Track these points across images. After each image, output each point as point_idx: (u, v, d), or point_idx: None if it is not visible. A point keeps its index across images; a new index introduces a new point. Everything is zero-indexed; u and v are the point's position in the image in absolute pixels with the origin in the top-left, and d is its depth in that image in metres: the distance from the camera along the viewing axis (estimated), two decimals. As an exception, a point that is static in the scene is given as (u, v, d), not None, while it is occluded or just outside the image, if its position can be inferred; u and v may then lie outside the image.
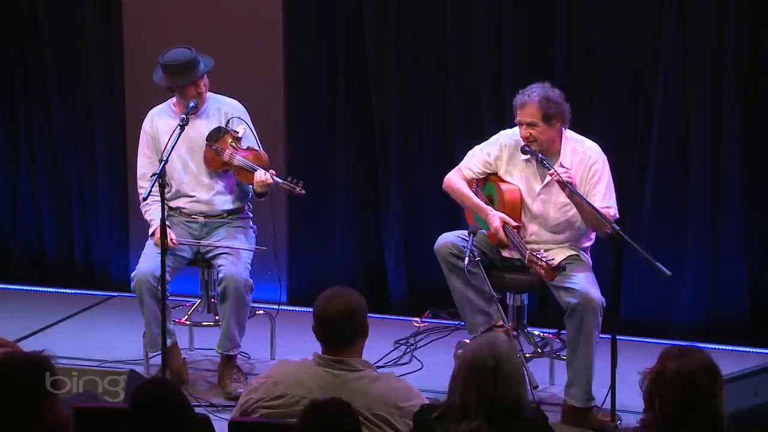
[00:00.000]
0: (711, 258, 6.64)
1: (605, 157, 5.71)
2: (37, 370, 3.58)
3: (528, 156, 5.68)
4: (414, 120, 7.09)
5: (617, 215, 5.64)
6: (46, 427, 3.59)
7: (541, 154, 5.61)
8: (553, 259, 5.46)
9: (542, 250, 5.56)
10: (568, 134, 5.72)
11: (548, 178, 5.61)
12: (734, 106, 6.48)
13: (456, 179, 5.89)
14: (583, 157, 5.67)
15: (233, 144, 5.97)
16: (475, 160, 5.86)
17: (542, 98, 5.59)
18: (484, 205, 5.79)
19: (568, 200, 5.60)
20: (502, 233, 5.66)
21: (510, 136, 5.79)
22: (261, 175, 5.85)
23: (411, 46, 7.01)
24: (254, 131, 6.08)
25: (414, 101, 7.07)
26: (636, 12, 6.62)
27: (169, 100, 6.10)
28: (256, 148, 6.02)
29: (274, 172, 5.90)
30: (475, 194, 5.85)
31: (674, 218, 6.68)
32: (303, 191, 5.86)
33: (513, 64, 6.77)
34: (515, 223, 5.70)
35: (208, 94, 6.05)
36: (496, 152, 5.81)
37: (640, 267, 6.66)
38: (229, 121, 6.02)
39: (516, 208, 5.73)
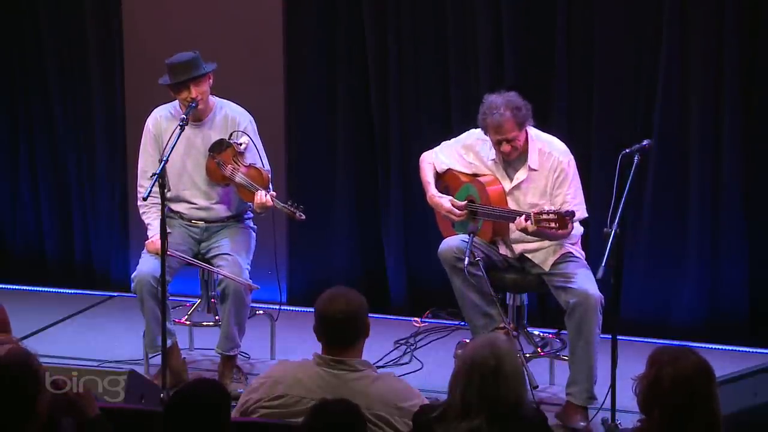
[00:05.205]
0: (711, 258, 6.63)
1: (572, 156, 5.72)
2: (27, 367, 3.60)
3: (494, 157, 5.70)
4: (414, 120, 7.08)
5: (585, 214, 5.69)
6: (39, 424, 3.61)
7: (517, 157, 5.64)
8: (560, 206, 5.47)
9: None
10: (533, 133, 5.72)
11: (517, 178, 5.65)
12: (734, 106, 6.48)
13: (429, 158, 5.94)
14: (553, 162, 5.65)
15: (235, 159, 5.91)
16: (449, 149, 5.90)
17: (512, 110, 5.56)
18: (430, 187, 5.83)
19: (537, 201, 5.63)
20: (457, 211, 5.67)
21: (477, 135, 5.80)
22: (261, 197, 5.76)
23: (411, 46, 7.01)
24: (258, 145, 6.01)
25: (414, 101, 7.07)
26: (636, 12, 6.61)
27: (175, 101, 6.08)
28: (259, 165, 5.93)
29: (274, 194, 5.81)
30: (450, 202, 5.81)
31: (674, 218, 6.68)
32: (303, 216, 5.77)
33: (513, 64, 6.77)
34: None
35: (216, 101, 6.03)
36: (464, 152, 5.84)
37: (640, 267, 6.66)
38: (232, 133, 5.97)
39: (504, 200, 5.72)
